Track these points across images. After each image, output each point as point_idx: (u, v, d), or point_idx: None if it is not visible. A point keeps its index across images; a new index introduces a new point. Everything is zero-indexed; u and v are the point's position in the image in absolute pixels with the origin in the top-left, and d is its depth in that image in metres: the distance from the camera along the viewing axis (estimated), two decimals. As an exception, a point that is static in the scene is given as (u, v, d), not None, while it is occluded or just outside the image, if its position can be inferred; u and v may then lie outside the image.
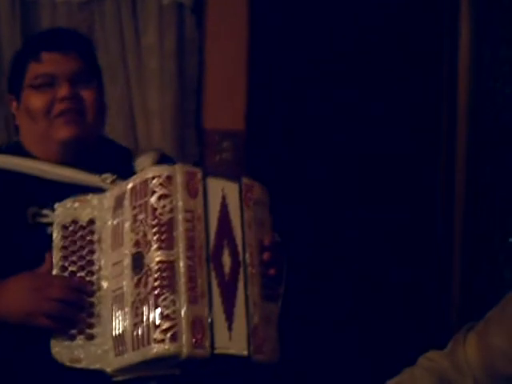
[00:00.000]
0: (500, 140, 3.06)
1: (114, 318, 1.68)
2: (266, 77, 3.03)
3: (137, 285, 1.64)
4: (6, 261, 1.78)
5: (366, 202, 3.12)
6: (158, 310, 1.59)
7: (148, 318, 1.59)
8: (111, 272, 1.71)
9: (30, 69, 1.91)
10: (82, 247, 1.74)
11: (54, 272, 1.72)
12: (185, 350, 1.57)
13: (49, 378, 1.74)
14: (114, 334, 1.67)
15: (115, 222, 1.73)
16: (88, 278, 1.72)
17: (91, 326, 1.70)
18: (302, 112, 3.08)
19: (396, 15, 3.15)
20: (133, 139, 2.98)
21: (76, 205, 1.77)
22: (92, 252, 1.74)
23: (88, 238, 1.74)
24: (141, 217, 1.66)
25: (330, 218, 3.09)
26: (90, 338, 1.69)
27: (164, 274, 1.60)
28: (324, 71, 3.09)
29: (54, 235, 1.75)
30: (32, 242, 1.79)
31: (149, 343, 1.58)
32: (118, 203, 1.73)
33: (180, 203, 1.64)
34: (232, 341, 1.62)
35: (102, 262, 1.73)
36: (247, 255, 1.69)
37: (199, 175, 1.68)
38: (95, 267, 1.73)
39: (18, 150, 1.95)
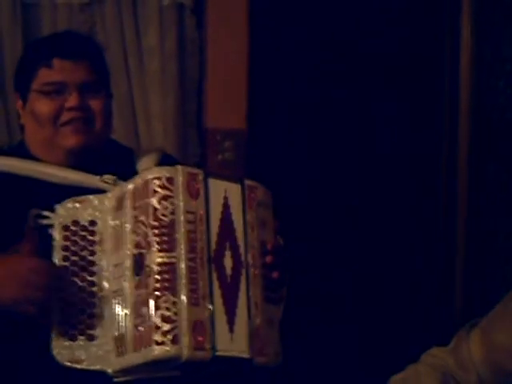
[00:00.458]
0: (503, 139, 3.06)
1: (115, 319, 1.68)
2: (267, 76, 3.03)
3: (138, 286, 1.63)
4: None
5: (367, 201, 3.12)
6: (159, 312, 1.58)
7: (149, 320, 1.59)
8: (112, 273, 1.71)
9: (40, 74, 1.90)
10: (83, 248, 1.74)
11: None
12: (185, 352, 1.56)
13: (49, 379, 1.74)
14: (114, 334, 1.67)
15: (116, 223, 1.72)
16: (89, 279, 1.72)
17: (92, 326, 1.70)
18: (302, 111, 3.08)
19: (398, 14, 3.14)
20: (134, 139, 2.97)
21: (77, 205, 1.76)
22: (93, 253, 1.73)
23: (89, 238, 1.74)
24: (142, 218, 1.66)
25: (330, 217, 3.09)
26: (91, 338, 1.69)
27: (165, 276, 1.60)
28: (324, 71, 3.09)
29: (55, 235, 1.75)
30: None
31: (150, 345, 1.57)
32: (119, 204, 1.73)
33: (181, 204, 1.64)
34: (233, 343, 1.61)
35: (103, 262, 1.72)
36: (249, 257, 1.68)
37: (200, 176, 1.68)
38: (96, 268, 1.72)
39: (22, 151, 1.95)
